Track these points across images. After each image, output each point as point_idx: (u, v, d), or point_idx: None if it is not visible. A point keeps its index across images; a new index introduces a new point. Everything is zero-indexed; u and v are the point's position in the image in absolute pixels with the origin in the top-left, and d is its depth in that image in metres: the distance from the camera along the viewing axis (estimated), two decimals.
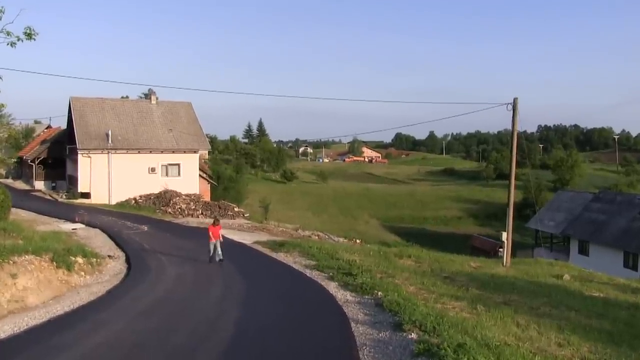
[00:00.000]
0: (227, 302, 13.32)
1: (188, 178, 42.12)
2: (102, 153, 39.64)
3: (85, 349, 9.35)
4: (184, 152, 42.29)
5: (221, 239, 19.05)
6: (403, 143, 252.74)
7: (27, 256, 14.38)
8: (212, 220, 20.30)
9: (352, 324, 10.96)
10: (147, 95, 49.23)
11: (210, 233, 18.83)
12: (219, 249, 18.63)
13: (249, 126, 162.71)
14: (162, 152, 41.61)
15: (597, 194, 47.76)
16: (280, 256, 20.24)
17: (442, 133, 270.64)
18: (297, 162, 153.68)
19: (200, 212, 37.11)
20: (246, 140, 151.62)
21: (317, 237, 32.92)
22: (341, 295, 13.80)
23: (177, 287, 14.95)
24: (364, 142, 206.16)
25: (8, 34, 13.39)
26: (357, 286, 14.40)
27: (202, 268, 17.56)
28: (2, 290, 12.62)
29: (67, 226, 26.30)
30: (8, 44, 13.37)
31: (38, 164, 48.40)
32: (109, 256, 19.00)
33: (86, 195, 39.45)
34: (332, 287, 14.71)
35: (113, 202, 38.93)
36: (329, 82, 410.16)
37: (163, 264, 18.07)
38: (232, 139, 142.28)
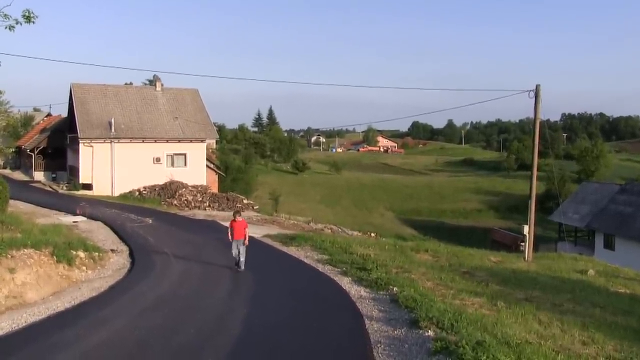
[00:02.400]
0: (235, 298, 12.99)
1: (195, 168, 41.53)
2: (104, 142, 38.89)
3: (86, 347, 9.17)
4: (191, 141, 41.63)
5: (246, 240, 15.73)
6: (420, 132, 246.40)
7: (26, 250, 14.10)
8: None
9: (366, 321, 10.77)
10: (152, 82, 48.59)
11: (231, 230, 15.83)
12: (242, 253, 15.54)
13: (259, 114, 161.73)
14: (167, 141, 40.87)
15: (624, 185, 46.45)
16: (291, 250, 19.85)
17: (461, 121, 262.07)
18: (309, 152, 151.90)
19: (207, 204, 36.70)
20: (256, 129, 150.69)
21: (329, 231, 32.51)
22: (355, 290, 13.53)
23: (182, 283, 14.61)
24: (379, 131, 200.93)
25: (6, 16, 13.09)
26: (371, 281, 14.11)
27: (208, 263, 17.16)
28: (0, 285, 12.37)
29: (68, 219, 25.86)
30: (6, 28, 13.06)
31: (37, 153, 47.83)
32: (111, 250, 18.60)
33: (88, 186, 38.86)
34: (345, 283, 14.44)
35: (116, 194, 38.37)
36: (342, 68, 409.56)
37: (168, 258, 17.70)
38: (241, 128, 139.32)
